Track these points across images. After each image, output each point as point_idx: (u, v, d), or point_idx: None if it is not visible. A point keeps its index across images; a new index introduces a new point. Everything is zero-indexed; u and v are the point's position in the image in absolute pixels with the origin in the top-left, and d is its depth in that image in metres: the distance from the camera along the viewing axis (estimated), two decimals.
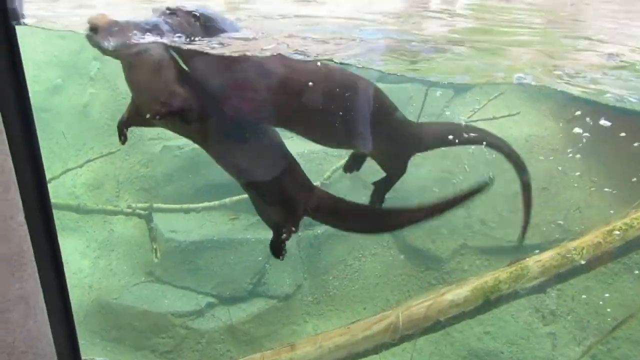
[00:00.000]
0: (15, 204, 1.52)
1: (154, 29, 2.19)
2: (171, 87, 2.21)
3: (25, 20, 1.76)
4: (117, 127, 2.48)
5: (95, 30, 2.09)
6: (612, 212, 5.08)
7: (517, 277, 3.57)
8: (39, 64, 6.48)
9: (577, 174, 6.09)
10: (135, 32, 2.17)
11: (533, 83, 2.67)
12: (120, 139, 2.48)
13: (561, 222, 5.94)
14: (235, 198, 5.75)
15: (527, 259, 3.72)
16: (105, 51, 2.18)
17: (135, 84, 2.31)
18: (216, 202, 5.71)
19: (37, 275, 1.67)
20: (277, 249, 2.55)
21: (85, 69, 6.80)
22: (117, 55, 2.23)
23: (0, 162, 1.42)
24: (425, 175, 6.23)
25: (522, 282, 3.55)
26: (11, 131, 1.47)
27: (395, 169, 2.87)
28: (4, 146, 1.43)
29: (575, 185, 6.05)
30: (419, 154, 6.21)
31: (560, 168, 6.11)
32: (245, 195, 5.63)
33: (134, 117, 2.45)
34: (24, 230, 1.58)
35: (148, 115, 2.27)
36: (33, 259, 1.64)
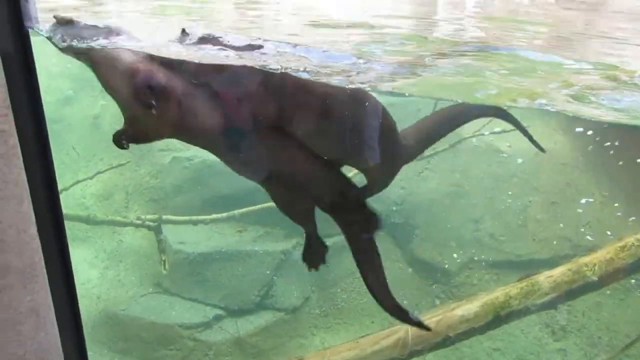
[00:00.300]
0: (29, 217, 1.53)
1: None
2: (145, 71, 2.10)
3: (39, 27, 1.77)
4: (113, 138, 2.41)
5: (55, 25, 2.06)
6: (623, 227, 5.04)
7: (528, 293, 3.53)
8: (51, 75, 6.56)
9: (587, 188, 6.05)
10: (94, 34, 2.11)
11: (552, 109, 2.66)
12: (122, 146, 2.41)
13: (571, 238, 5.90)
14: (243, 210, 5.75)
15: (538, 274, 3.68)
16: (62, 49, 2.14)
17: (110, 87, 2.23)
18: (224, 214, 5.72)
19: (48, 287, 1.68)
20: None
21: (96, 80, 6.87)
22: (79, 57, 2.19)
23: (14, 176, 1.43)
24: (434, 189, 6.22)
25: (533, 298, 3.51)
26: (25, 145, 1.49)
27: (382, 184, 2.81)
28: (18, 160, 1.45)
29: (585, 200, 6.01)
30: (427, 167, 6.23)
31: (569, 182, 6.08)
32: (254, 207, 5.69)
33: (130, 129, 2.39)
34: (37, 242, 1.59)
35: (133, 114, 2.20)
36: (44, 271, 1.65)
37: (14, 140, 1.43)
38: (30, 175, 1.52)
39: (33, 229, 1.56)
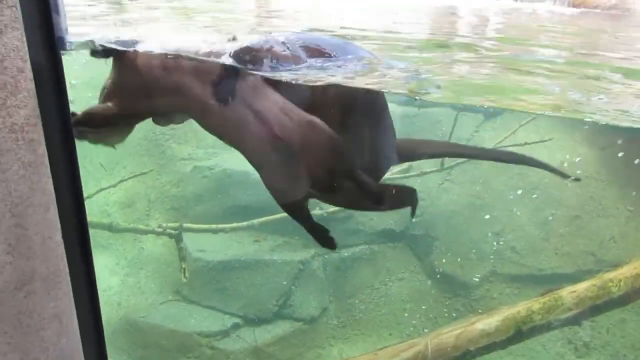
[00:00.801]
0: (54, 224, 1.56)
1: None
2: None
3: (71, 47, 1.83)
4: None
5: None
6: None
7: (551, 308, 3.46)
8: (76, 86, 6.68)
9: (612, 202, 5.94)
10: None
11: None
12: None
13: (595, 252, 5.79)
14: (262, 219, 5.78)
15: (561, 289, 3.61)
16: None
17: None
18: (244, 223, 5.75)
19: (71, 293, 1.70)
20: None
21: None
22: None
23: (42, 184, 1.47)
24: (454, 200, 6.17)
25: (555, 313, 3.44)
26: (53, 154, 1.52)
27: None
28: (46, 169, 1.48)
29: (610, 214, 5.90)
30: (447, 178, 6.19)
31: (593, 196, 5.98)
32: (273, 217, 5.71)
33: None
34: (61, 249, 1.62)
35: None
36: (68, 277, 1.67)
37: (43, 149, 1.46)
38: (56, 183, 1.55)
39: (58, 236, 1.59)
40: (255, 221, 5.76)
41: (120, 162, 6.60)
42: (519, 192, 6.10)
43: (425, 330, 5.74)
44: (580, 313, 3.47)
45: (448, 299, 5.98)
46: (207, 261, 5.67)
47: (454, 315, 5.86)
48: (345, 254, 6.01)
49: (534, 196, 6.06)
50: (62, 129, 1.59)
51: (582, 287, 3.57)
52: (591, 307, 3.51)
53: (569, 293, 3.54)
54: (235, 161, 6.20)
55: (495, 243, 5.99)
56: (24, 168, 1.40)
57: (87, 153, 6.54)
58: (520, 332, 3.46)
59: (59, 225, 1.59)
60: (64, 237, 1.63)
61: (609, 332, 5.49)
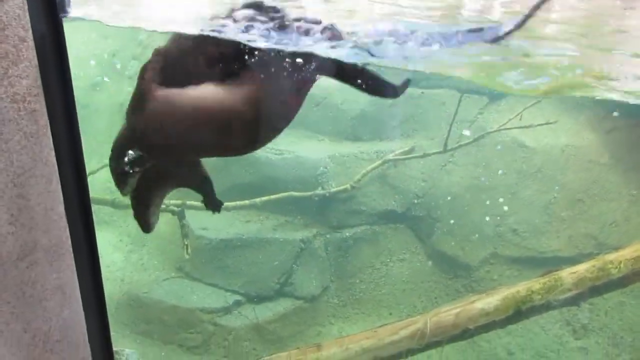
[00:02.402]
0: (57, 196, 1.57)
1: None
2: None
3: (72, 15, 1.80)
4: None
5: None
6: None
7: (551, 288, 3.48)
8: (80, 62, 6.66)
9: (615, 186, 5.93)
10: None
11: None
12: None
13: (596, 236, 5.79)
14: (264, 198, 5.79)
15: (561, 270, 3.62)
16: None
17: None
18: (246, 201, 5.76)
19: (74, 265, 1.71)
20: None
21: (124, 68, 6.98)
22: None
23: (44, 155, 1.47)
24: (456, 182, 6.16)
25: (555, 294, 3.46)
26: (56, 126, 1.52)
27: None
28: (48, 140, 1.48)
29: (612, 198, 5.89)
30: (450, 160, 6.17)
31: (597, 180, 5.96)
32: (275, 196, 5.72)
33: None
34: (64, 221, 1.62)
35: None
36: (71, 249, 1.68)
37: (45, 120, 1.46)
38: (59, 155, 1.55)
39: (60, 208, 1.59)
40: (258, 200, 5.77)
41: None
42: (522, 174, 6.09)
43: (426, 310, 5.79)
44: (579, 294, 3.49)
45: (448, 280, 6.01)
46: (209, 239, 5.70)
47: (455, 296, 5.90)
48: (347, 234, 6.03)
49: (537, 179, 6.05)
50: (64, 100, 1.58)
51: (582, 268, 3.58)
52: (590, 288, 3.52)
53: (569, 274, 3.55)
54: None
55: (496, 225, 6.00)
56: (26, 138, 1.40)
57: (91, 130, 6.54)
58: (520, 312, 3.48)
59: (61, 198, 1.59)
60: (66, 209, 1.63)
61: (607, 315, 5.53)
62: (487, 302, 3.51)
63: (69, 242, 1.67)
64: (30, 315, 1.53)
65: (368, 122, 6.49)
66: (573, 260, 5.14)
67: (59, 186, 1.58)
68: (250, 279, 5.65)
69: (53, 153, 1.52)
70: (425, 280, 6.03)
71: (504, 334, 5.39)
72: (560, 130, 6.17)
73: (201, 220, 5.83)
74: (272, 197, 5.81)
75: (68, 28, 1.60)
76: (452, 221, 6.07)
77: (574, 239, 5.85)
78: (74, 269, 1.71)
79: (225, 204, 5.81)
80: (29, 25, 1.36)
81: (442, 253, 6.05)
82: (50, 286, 1.60)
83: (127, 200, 6.09)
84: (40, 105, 1.43)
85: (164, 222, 6.11)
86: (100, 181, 6.33)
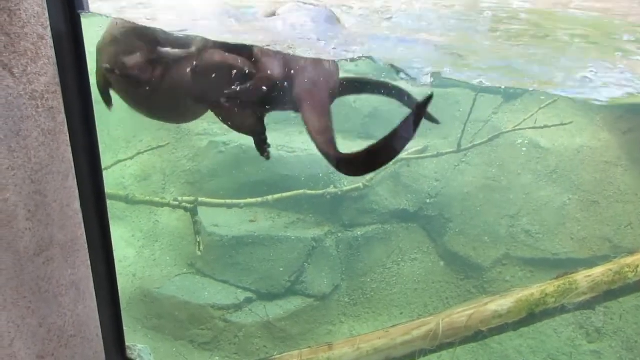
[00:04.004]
0: (73, 192, 1.58)
1: None
2: None
3: (90, 10, 1.81)
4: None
5: None
6: None
7: (565, 292, 3.43)
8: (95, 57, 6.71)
9: (631, 188, 5.85)
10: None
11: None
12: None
13: (611, 238, 5.73)
14: (277, 196, 5.80)
15: (576, 273, 3.57)
16: None
17: None
18: (259, 199, 5.78)
19: (88, 262, 1.73)
20: None
21: None
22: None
23: (61, 152, 1.47)
24: (469, 182, 6.12)
25: (569, 297, 3.41)
26: (73, 123, 1.53)
27: None
28: (65, 137, 1.49)
29: (628, 200, 5.82)
30: (463, 160, 6.13)
31: (612, 181, 5.89)
32: (287, 194, 5.73)
33: None
34: (79, 217, 1.63)
35: None
36: (86, 246, 1.69)
37: (62, 117, 1.47)
38: (75, 152, 1.56)
39: (76, 204, 1.60)
40: (270, 197, 5.78)
41: (137, 136, 6.64)
42: (536, 175, 6.03)
43: (437, 310, 5.76)
44: (594, 298, 3.44)
45: (460, 281, 5.98)
46: (221, 236, 5.72)
47: (466, 296, 5.87)
48: (359, 232, 6.02)
49: (551, 180, 5.99)
50: (81, 97, 1.59)
51: (597, 271, 3.53)
52: (606, 292, 3.47)
53: (584, 277, 3.49)
54: (250, 137, 6.19)
55: (509, 226, 5.95)
56: (44, 135, 1.41)
57: (105, 126, 6.59)
58: (533, 315, 3.44)
59: (77, 194, 1.60)
60: (82, 205, 1.64)
61: (622, 319, 5.46)
62: (500, 304, 3.47)
63: (84, 238, 1.68)
64: (45, 310, 1.54)
65: (381, 120, 6.46)
66: (587, 263, 5.09)
67: (75, 182, 1.59)
68: (261, 276, 5.66)
69: (70, 150, 1.53)
70: (437, 281, 6.00)
71: (516, 336, 5.35)
72: (576, 130, 6.10)
73: (213, 217, 5.85)
74: (284, 194, 5.81)
75: (85, 22, 1.60)
76: (464, 221, 6.03)
77: (589, 241, 5.78)
78: (89, 265, 1.73)
79: (237, 200, 5.84)
80: (48, 23, 1.37)
81: (454, 253, 6.01)
82: (66, 282, 1.61)
83: (140, 196, 6.14)
84: (58, 103, 1.44)
85: (176, 219, 6.15)
86: (114, 177, 6.40)
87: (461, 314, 3.46)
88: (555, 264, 5.70)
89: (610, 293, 3.50)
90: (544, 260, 5.79)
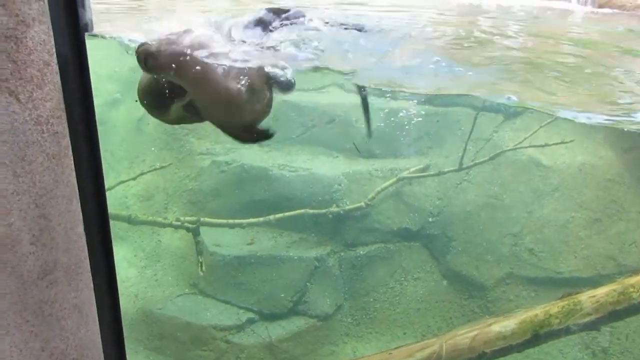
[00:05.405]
0: (77, 216, 1.58)
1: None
2: None
3: (95, 32, 1.86)
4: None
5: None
6: None
7: (570, 312, 3.41)
8: (100, 78, 6.77)
9: (634, 206, 5.84)
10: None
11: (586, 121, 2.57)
12: None
13: (615, 256, 5.70)
14: (279, 215, 5.80)
15: (581, 293, 3.55)
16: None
17: None
18: (261, 219, 5.77)
19: (91, 284, 1.72)
20: None
21: None
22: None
23: (65, 176, 1.48)
24: (471, 200, 6.12)
25: (574, 318, 3.39)
26: (77, 146, 1.54)
27: None
28: (69, 161, 1.50)
29: (632, 218, 5.80)
30: (465, 178, 6.14)
31: (615, 199, 5.88)
32: (289, 213, 5.73)
33: None
34: (83, 241, 1.64)
35: None
36: (89, 268, 1.69)
37: (67, 141, 1.48)
38: (79, 176, 1.57)
39: (80, 228, 1.61)
40: (272, 217, 5.78)
41: (140, 156, 6.67)
42: (538, 193, 6.03)
43: (440, 330, 5.71)
44: (599, 318, 3.41)
45: (464, 300, 5.94)
46: (223, 255, 5.71)
47: (470, 316, 5.82)
48: (361, 252, 6.00)
49: (553, 198, 5.99)
50: (85, 121, 1.60)
51: (602, 291, 3.51)
52: (611, 313, 3.44)
53: (588, 297, 3.47)
54: (252, 157, 6.22)
55: (512, 245, 5.93)
56: (49, 160, 1.42)
57: (108, 146, 6.63)
58: (538, 336, 3.41)
59: (81, 217, 1.61)
60: (85, 229, 1.64)
61: (629, 339, 5.40)
62: (504, 325, 3.45)
63: (87, 261, 1.68)
64: (48, 334, 1.54)
65: (383, 139, 6.49)
66: (591, 281, 5.06)
67: (79, 206, 1.59)
68: (263, 296, 5.63)
69: (74, 174, 1.54)
70: (440, 300, 5.96)
71: (521, 357, 5.27)
72: (577, 148, 6.11)
73: (215, 237, 5.84)
74: (287, 214, 5.81)
75: (88, 44, 1.63)
76: (467, 240, 6.01)
77: (592, 260, 5.76)
78: (92, 288, 1.72)
79: (239, 220, 5.85)
80: (54, 50, 1.39)
81: (457, 272, 5.98)
82: (69, 305, 1.61)
83: (142, 216, 6.14)
84: (62, 127, 1.46)
85: (178, 238, 6.14)
86: (116, 197, 6.41)
87: (464, 336, 3.43)
88: (559, 282, 5.67)
89: (615, 313, 3.48)
90: (548, 279, 5.76)
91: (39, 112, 1.36)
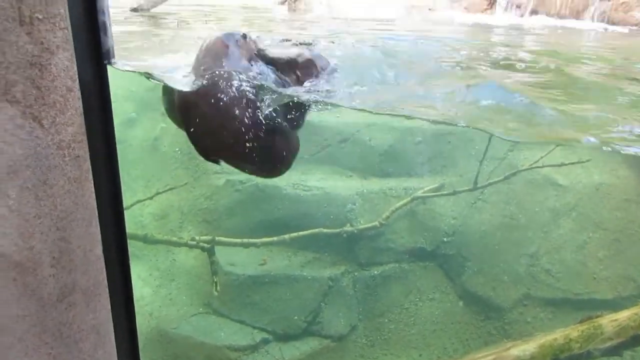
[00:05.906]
0: (95, 238, 1.60)
1: None
2: None
3: (116, 62, 1.90)
4: None
5: None
6: None
7: (590, 337, 3.34)
8: (116, 98, 6.83)
9: None
10: None
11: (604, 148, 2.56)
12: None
13: (635, 278, 5.60)
14: (293, 234, 5.79)
15: (601, 317, 3.48)
16: None
17: None
18: (275, 238, 5.77)
19: (109, 306, 1.74)
20: None
21: (158, 104, 7.16)
22: None
23: (85, 199, 1.51)
24: (487, 220, 6.07)
25: (595, 343, 3.32)
26: (97, 170, 1.57)
27: None
28: (90, 184, 1.53)
29: None
30: (480, 197, 6.10)
31: (633, 219, 5.79)
32: (304, 232, 5.72)
33: None
34: (101, 262, 1.65)
35: None
36: (107, 290, 1.71)
37: (87, 165, 1.51)
38: (99, 198, 1.60)
39: (99, 249, 1.63)
40: (287, 236, 5.78)
41: (156, 175, 6.74)
42: (554, 213, 5.96)
43: (456, 352, 5.62)
44: (621, 343, 3.33)
45: (480, 322, 5.85)
46: (237, 275, 5.70)
47: (486, 338, 5.73)
48: (375, 272, 5.96)
49: (570, 218, 5.92)
50: (106, 145, 1.63)
51: (623, 315, 3.43)
52: (633, 337, 3.36)
53: (609, 321, 3.40)
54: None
55: (529, 265, 5.85)
56: (70, 183, 1.44)
57: (124, 166, 6.71)
58: None
59: (99, 239, 1.63)
60: (104, 250, 1.66)
61: None
62: (523, 349, 3.39)
63: (105, 282, 1.70)
64: (66, 356, 1.55)
65: (397, 158, 6.49)
66: (611, 303, 4.96)
67: (98, 228, 1.62)
68: (277, 316, 5.61)
69: (94, 196, 1.56)
70: (456, 321, 5.88)
71: None
72: (594, 168, 6.05)
73: (229, 256, 5.85)
74: (301, 233, 5.81)
75: (110, 72, 1.66)
76: (483, 260, 5.95)
77: (612, 281, 5.66)
78: (109, 309, 1.74)
79: (254, 239, 5.85)
80: (77, 76, 1.42)
81: (472, 293, 5.91)
82: (87, 327, 1.62)
83: (158, 235, 6.17)
84: (84, 151, 1.48)
85: (192, 257, 6.16)
86: (133, 215, 6.46)
87: (483, 359, 3.38)
88: (577, 304, 5.57)
89: (637, 338, 3.40)
90: (566, 300, 5.66)
91: (61, 136, 1.39)
